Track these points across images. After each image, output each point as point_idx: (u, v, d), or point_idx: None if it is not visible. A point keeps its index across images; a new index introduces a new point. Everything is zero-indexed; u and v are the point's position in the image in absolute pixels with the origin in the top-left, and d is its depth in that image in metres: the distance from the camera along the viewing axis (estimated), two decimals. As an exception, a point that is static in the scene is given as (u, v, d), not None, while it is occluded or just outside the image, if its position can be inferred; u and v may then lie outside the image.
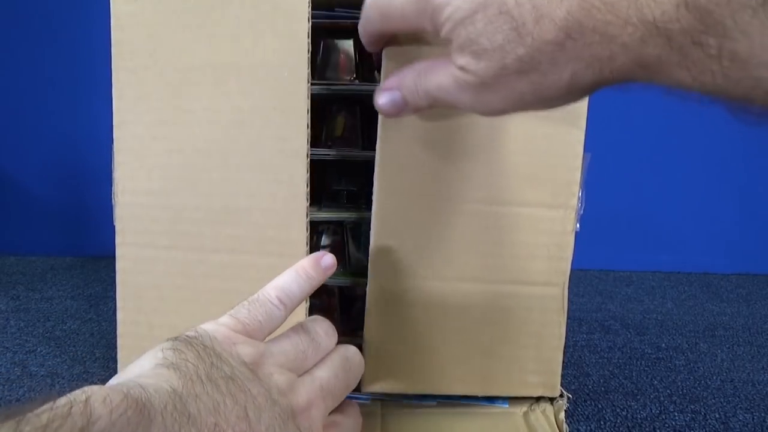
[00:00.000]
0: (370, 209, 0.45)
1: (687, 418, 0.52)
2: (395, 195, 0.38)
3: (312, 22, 0.41)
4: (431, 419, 0.42)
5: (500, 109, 0.26)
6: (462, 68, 0.25)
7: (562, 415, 0.41)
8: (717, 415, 0.52)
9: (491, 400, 0.44)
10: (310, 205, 0.47)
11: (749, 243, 1.13)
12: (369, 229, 0.45)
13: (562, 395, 0.43)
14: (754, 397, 0.56)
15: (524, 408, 0.43)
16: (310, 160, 0.44)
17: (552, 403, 0.44)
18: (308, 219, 0.38)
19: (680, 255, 1.07)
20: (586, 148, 0.39)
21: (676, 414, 0.53)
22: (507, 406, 0.44)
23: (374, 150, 0.43)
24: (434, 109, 0.30)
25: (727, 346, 0.71)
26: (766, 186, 1.12)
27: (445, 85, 0.27)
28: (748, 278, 1.08)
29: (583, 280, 0.98)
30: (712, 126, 1.07)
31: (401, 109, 0.32)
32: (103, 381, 0.21)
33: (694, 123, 1.01)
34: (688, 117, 0.97)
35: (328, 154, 0.44)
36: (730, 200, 1.12)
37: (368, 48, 0.35)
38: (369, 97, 0.43)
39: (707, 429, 0.50)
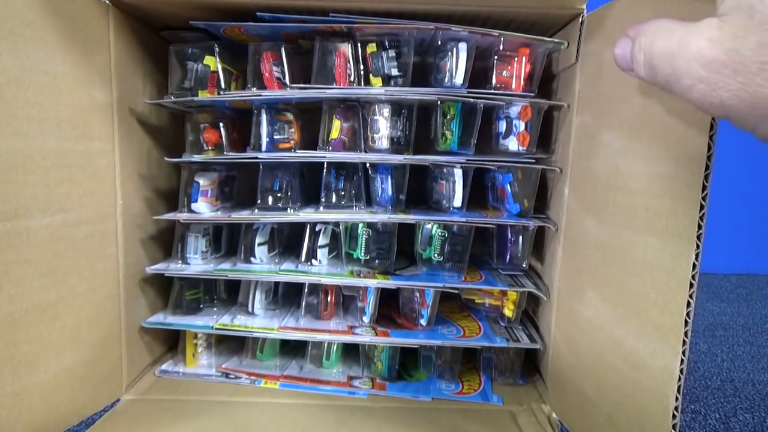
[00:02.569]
0: (365, 210, 0.47)
1: (687, 418, 0.52)
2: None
3: (309, 28, 0.43)
4: (427, 415, 0.43)
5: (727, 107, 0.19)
6: (710, 40, 0.19)
7: (554, 413, 0.43)
8: (717, 415, 0.53)
9: (486, 397, 0.46)
10: (309, 205, 0.49)
11: (749, 243, 1.14)
12: (365, 229, 0.47)
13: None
14: (754, 397, 0.57)
15: (518, 406, 0.44)
16: (309, 162, 0.46)
17: (545, 402, 0.45)
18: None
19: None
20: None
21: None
22: (502, 403, 0.45)
23: (369, 152, 0.45)
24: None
25: (727, 346, 0.72)
26: (766, 187, 1.13)
27: (674, 54, 0.20)
28: (748, 279, 1.08)
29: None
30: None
31: (626, 67, 0.25)
32: None
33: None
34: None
35: (325, 156, 0.45)
36: (730, 201, 1.13)
37: None
38: (365, 100, 0.46)
39: (707, 429, 0.50)
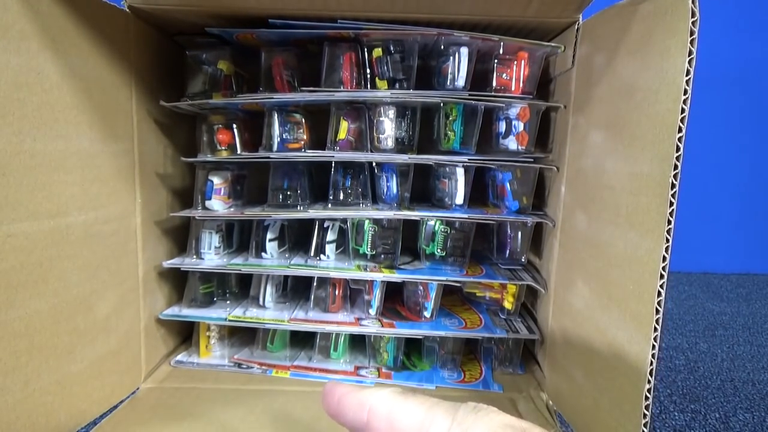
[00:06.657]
0: (371, 207, 0.51)
1: (687, 418, 0.55)
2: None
3: (318, 34, 0.48)
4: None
5: None
6: None
7: (551, 400, 0.47)
8: (717, 415, 0.56)
9: (487, 385, 0.51)
10: (317, 203, 0.54)
11: (749, 243, 1.18)
12: (371, 225, 0.51)
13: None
14: (754, 396, 0.60)
15: (518, 394, 0.49)
16: (317, 161, 0.50)
17: (543, 390, 0.49)
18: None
19: (680, 255, 1.13)
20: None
21: (676, 413, 0.56)
22: (502, 391, 0.50)
23: (375, 152, 0.50)
24: None
25: (727, 345, 0.75)
26: (766, 186, 1.17)
27: None
28: (748, 278, 1.13)
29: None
30: (712, 127, 1.13)
31: None
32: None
33: (694, 125, 1.07)
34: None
35: (333, 156, 0.50)
36: (730, 200, 1.17)
37: None
38: (371, 102, 0.50)
39: (707, 428, 0.53)
